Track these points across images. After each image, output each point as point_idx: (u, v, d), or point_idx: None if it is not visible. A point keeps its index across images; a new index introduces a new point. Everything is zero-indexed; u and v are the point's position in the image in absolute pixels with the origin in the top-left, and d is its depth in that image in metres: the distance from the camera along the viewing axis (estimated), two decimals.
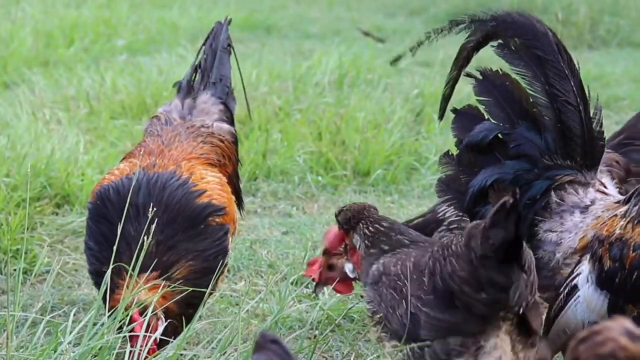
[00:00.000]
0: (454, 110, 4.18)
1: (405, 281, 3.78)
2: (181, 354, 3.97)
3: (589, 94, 4.01)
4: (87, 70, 8.71)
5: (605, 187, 4.02)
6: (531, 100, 4.02)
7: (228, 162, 4.81)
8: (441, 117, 4.30)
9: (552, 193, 3.99)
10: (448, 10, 12.45)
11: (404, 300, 3.74)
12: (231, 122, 5.01)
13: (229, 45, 5.20)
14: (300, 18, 12.37)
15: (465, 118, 4.14)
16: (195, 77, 5.10)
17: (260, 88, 7.81)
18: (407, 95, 8.42)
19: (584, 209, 3.94)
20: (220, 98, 5.03)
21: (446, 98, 4.22)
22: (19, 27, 10.00)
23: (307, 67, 8.67)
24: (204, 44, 5.18)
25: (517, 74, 4.03)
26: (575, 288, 3.79)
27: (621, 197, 3.92)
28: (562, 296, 3.83)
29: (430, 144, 7.42)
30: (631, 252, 3.65)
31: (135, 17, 11.13)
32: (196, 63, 5.14)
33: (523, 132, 4.03)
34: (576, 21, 11.26)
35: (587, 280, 3.75)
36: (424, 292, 3.72)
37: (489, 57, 4.23)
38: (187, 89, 5.02)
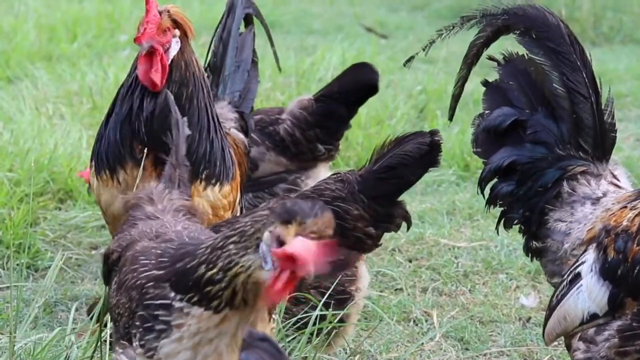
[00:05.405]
0: (485, 83, 4.15)
1: None
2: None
3: (600, 86, 4.01)
4: (90, 65, 8.69)
5: (618, 179, 4.01)
6: (549, 89, 4.01)
7: (237, 169, 4.62)
8: (451, 117, 4.25)
9: (564, 183, 3.98)
10: (450, 5, 12.40)
11: None
12: (245, 134, 4.97)
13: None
14: (303, 14, 12.34)
15: (497, 92, 4.11)
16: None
17: (263, 83, 7.78)
18: (410, 91, 8.40)
19: (595, 201, 3.92)
20: (237, 108, 5.00)
21: (456, 97, 4.19)
22: (21, 22, 9.98)
23: (310, 62, 8.65)
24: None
25: (537, 62, 4.01)
26: (578, 276, 3.77)
27: (634, 190, 3.91)
28: (565, 283, 3.81)
29: None
30: (635, 245, 3.64)
31: (138, 12, 11.09)
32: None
33: (541, 119, 4.04)
34: (579, 17, 11.22)
35: (591, 270, 3.73)
36: None
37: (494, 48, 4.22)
38: None
